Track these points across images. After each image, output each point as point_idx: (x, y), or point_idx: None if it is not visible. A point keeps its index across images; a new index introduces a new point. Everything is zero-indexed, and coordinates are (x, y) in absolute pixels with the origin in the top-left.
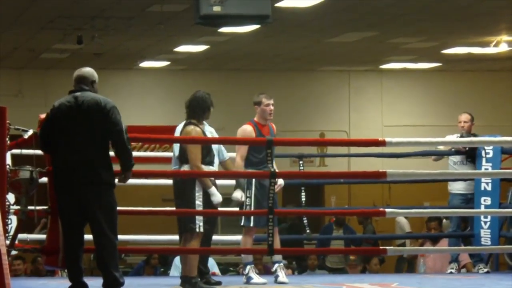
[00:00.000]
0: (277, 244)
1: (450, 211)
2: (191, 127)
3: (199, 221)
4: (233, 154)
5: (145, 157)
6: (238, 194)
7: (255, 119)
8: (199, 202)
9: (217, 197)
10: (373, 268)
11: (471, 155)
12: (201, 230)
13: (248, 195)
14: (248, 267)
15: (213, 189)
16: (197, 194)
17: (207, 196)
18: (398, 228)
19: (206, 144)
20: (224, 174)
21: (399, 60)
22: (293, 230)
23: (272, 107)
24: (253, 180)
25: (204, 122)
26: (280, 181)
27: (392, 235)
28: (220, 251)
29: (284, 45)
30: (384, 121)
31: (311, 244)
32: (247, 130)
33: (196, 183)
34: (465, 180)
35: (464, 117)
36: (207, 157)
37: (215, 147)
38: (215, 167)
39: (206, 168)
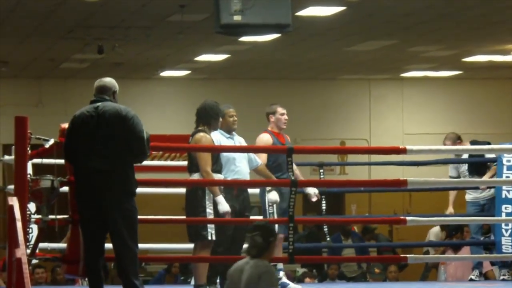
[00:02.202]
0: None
1: (471, 219)
2: (200, 135)
3: (211, 229)
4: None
5: (165, 166)
6: (274, 196)
7: (269, 128)
8: (210, 210)
9: (223, 206)
10: (390, 275)
11: (476, 168)
12: (213, 238)
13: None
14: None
15: (220, 198)
16: (207, 202)
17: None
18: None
19: (222, 152)
20: (244, 182)
21: (419, 68)
22: (311, 238)
23: (286, 116)
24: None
25: (234, 132)
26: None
27: (412, 243)
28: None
29: (305, 54)
30: (405, 129)
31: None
32: (264, 138)
33: (207, 191)
34: (475, 188)
35: (447, 144)
36: (214, 166)
37: (244, 155)
38: (222, 176)
39: (214, 177)
